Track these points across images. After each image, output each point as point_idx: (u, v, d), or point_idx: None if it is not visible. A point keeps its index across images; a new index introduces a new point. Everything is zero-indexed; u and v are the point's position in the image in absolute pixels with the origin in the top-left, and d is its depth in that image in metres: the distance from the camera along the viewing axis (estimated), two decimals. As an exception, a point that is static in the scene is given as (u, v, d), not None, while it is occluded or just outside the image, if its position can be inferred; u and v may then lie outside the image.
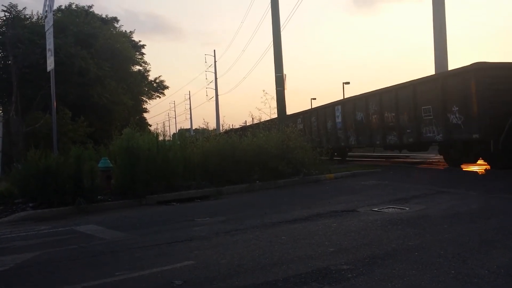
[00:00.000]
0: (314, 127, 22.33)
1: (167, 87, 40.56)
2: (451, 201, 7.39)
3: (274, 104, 16.86)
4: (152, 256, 4.96)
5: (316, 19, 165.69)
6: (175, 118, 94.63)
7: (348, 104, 18.90)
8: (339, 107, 19.59)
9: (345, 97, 19.48)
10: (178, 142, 12.42)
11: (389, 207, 7.15)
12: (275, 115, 17.29)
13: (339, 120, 19.56)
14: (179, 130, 73.00)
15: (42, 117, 21.24)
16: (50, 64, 13.63)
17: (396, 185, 10.22)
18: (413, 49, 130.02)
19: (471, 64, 11.83)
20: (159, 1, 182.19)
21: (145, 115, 38.44)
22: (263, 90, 17.22)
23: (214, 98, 56.41)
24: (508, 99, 11.18)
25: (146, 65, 37.93)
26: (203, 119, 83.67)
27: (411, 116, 14.24)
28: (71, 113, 22.69)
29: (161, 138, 11.87)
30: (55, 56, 13.95)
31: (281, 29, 17.91)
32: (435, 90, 13.09)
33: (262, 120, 16.38)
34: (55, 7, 25.79)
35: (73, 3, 33.68)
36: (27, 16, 25.65)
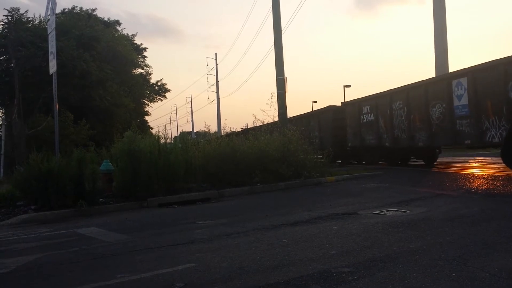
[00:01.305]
0: (398, 117, 15.47)
1: (168, 90, 40.74)
2: (452, 204, 7.39)
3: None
4: (153, 259, 4.97)
5: (318, 22, 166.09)
6: (177, 121, 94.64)
7: (487, 74, 11.54)
8: (463, 80, 12.30)
9: (476, 64, 12.16)
10: (180, 145, 12.45)
11: (390, 210, 7.15)
12: (276, 118, 17.29)
13: (462, 101, 12.35)
14: (180, 133, 72.96)
15: (44, 119, 21.26)
16: (52, 67, 13.67)
17: (397, 188, 10.22)
18: (414, 51, 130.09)
19: None
20: (161, 4, 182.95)
21: (146, 118, 38.51)
22: (271, 93, 16.65)
23: (215, 101, 56.52)
24: None
25: (147, 68, 38.10)
26: (204, 122, 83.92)
27: None
28: (73, 115, 22.73)
29: (162, 141, 11.90)
30: (57, 59, 13.99)
31: (282, 32, 17.96)
32: None
33: (265, 123, 16.37)
34: (58, 10, 25.99)
35: (76, 6, 33.89)
36: (29, 19, 25.75)
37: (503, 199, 7.87)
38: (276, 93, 16.68)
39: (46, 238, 6.84)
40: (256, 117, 21.41)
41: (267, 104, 16.40)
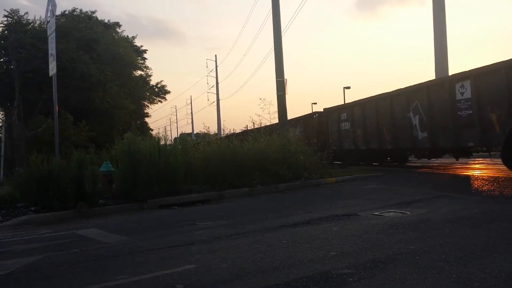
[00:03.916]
0: None
1: (168, 92, 40.94)
2: (452, 205, 7.39)
3: (272, 109, 16.95)
4: (154, 260, 4.97)
5: (318, 24, 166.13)
6: (177, 122, 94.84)
7: None
8: None
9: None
10: (180, 147, 12.46)
11: (390, 211, 7.15)
12: (274, 120, 17.35)
13: None
14: (180, 134, 73.02)
15: (44, 121, 21.29)
16: (52, 69, 13.70)
17: (397, 189, 10.22)
18: (415, 53, 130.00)
19: None
20: (161, 6, 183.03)
21: (146, 119, 38.61)
22: (260, 98, 16.60)
23: (215, 103, 56.55)
24: None
25: (148, 70, 38.21)
26: (203, 123, 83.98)
27: None
28: (73, 117, 22.75)
29: (162, 142, 11.89)
30: (57, 61, 14.01)
31: (282, 34, 18.00)
32: None
33: (262, 125, 16.40)
34: (58, 12, 26.04)
35: (77, 8, 33.98)
36: (29, 21, 25.80)
37: (503, 200, 7.87)
38: (268, 96, 16.80)
39: (46, 239, 6.84)
40: (254, 120, 21.16)
41: (261, 108, 16.30)
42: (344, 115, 18.64)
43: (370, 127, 16.65)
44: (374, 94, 16.78)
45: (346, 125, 18.49)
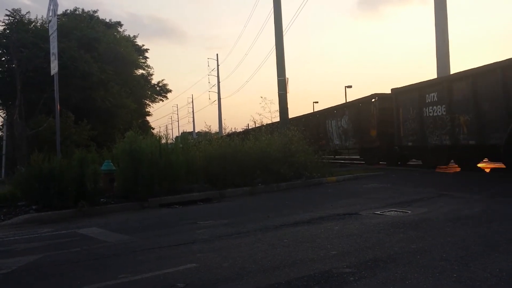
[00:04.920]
0: None
1: (170, 91, 40.89)
2: (453, 205, 7.39)
3: (273, 108, 16.92)
4: (155, 259, 4.97)
5: (319, 23, 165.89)
6: (178, 121, 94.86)
7: None
8: None
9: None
10: (181, 145, 12.45)
11: (391, 210, 7.15)
12: (275, 119, 17.33)
13: None
14: (181, 133, 73.03)
15: (46, 120, 21.29)
16: (54, 68, 13.70)
17: (398, 188, 10.21)
18: (416, 52, 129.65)
19: None
20: (163, 5, 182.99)
21: (148, 118, 38.64)
22: (261, 97, 16.55)
23: (216, 102, 56.55)
24: None
25: (149, 69, 38.19)
26: (205, 122, 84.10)
27: None
28: (74, 116, 22.76)
29: (163, 141, 11.90)
30: (58, 60, 14.01)
31: (284, 33, 17.98)
32: None
33: (264, 124, 16.38)
34: (60, 12, 25.98)
35: (78, 7, 34.02)
36: (31, 20, 25.80)
37: (504, 199, 7.86)
38: (270, 95, 16.80)
39: (48, 238, 6.84)
40: (255, 119, 20.77)
41: (262, 107, 16.10)
42: (433, 96, 13.33)
43: (491, 111, 11.28)
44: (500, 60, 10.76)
45: (436, 110, 13.19)
